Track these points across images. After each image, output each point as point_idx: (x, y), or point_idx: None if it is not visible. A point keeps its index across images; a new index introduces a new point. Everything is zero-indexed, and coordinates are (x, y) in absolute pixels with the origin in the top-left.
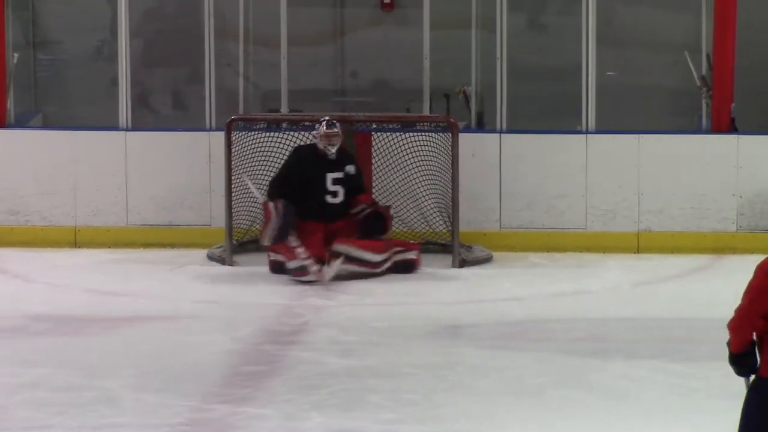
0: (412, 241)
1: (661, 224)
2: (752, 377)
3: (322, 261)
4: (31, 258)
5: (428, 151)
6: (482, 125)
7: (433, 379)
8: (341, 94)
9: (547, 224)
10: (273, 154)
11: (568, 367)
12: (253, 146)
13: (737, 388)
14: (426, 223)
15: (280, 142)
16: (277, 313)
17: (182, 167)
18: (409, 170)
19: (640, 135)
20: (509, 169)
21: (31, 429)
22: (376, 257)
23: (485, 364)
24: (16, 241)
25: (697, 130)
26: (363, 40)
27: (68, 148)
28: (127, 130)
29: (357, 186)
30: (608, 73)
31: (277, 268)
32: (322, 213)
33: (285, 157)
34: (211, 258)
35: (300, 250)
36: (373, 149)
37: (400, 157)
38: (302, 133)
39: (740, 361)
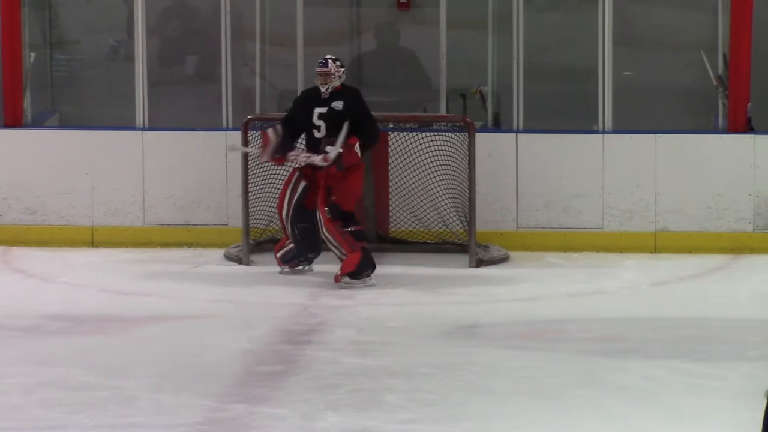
0: (354, 251)
1: (678, 224)
2: None
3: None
4: (47, 257)
5: (445, 150)
6: (499, 125)
7: (449, 378)
8: None
9: (564, 224)
10: None
11: (584, 367)
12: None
13: (755, 388)
14: (443, 223)
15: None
16: (293, 313)
17: (199, 167)
18: (426, 170)
19: (657, 135)
20: (526, 168)
21: (47, 428)
22: (323, 228)
23: (501, 364)
24: (33, 240)
25: (714, 130)
26: (379, 39)
27: (85, 148)
28: (143, 129)
29: (346, 119)
30: (625, 72)
31: (285, 257)
32: (310, 147)
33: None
34: (228, 258)
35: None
36: (389, 149)
37: (416, 157)
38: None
39: None
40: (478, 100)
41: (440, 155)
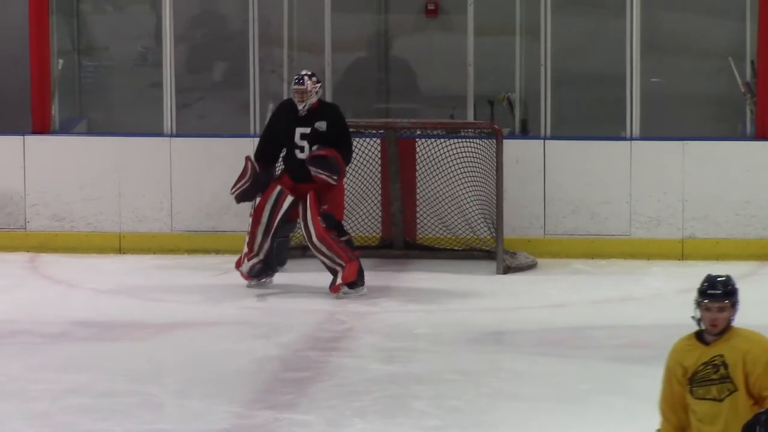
0: (352, 260)
1: (705, 231)
2: None
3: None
4: (75, 264)
5: (472, 157)
6: (526, 131)
7: (476, 385)
8: (385, 100)
9: (592, 231)
10: None
11: (611, 373)
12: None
13: None
14: (470, 230)
15: None
16: (320, 320)
17: (227, 173)
18: (454, 176)
19: (685, 141)
20: (553, 175)
21: None
22: (315, 239)
23: (528, 371)
24: (60, 246)
25: (742, 137)
26: (407, 46)
27: (113, 154)
28: (171, 136)
29: (329, 140)
30: (652, 79)
31: (253, 271)
32: (292, 167)
33: None
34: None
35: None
36: (417, 156)
37: (444, 164)
38: None
39: None
40: (506, 107)
41: (468, 162)
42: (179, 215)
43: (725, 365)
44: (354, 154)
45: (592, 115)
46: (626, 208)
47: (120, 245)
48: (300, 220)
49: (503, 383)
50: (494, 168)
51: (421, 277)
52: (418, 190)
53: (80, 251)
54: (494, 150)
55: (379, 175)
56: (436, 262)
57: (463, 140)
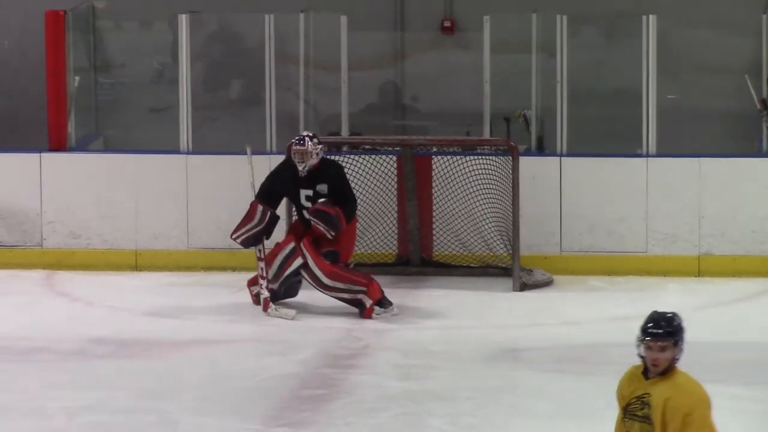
0: (371, 280)
1: (722, 248)
2: None
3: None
4: (92, 281)
5: (489, 174)
6: (542, 149)
7: (492, 402)
8: (401, 118)
9: (608, 248)
10: None
11: None
12: None
13: None
14: (486, 247)
15: None
16: (337, 337)
17: (243, 190)
18: (470, 193)
19: (701, 158)
20: (570, 192)
21: None
22: (325, 279)
23: (544, 388)
24: (77, 264)
25: (758, 154)
26: (423, 63)
27: (129, 172)
28: (188, 153)
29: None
30: (668, 96)
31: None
32: (301, 224)
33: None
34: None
35: (261, 279)
36: (433, 173)
37: (460, 181)
38: (362, 156)
39: None
40: (522, 124)
41: (484, 179)
42: (195, 232)
43: (649, 405)
44: (370, 172)
45: (608, 132)
46: (642, 225)
47: (136, 262)
48: (303, 272)
49: (519, 400)
50: (510, 185)
51: (438, 294)
52: (434, 208)
53: (96, 268)
54: (510, 167)
55: (396, 193)
56: (453, 279)
57: (480, 157)
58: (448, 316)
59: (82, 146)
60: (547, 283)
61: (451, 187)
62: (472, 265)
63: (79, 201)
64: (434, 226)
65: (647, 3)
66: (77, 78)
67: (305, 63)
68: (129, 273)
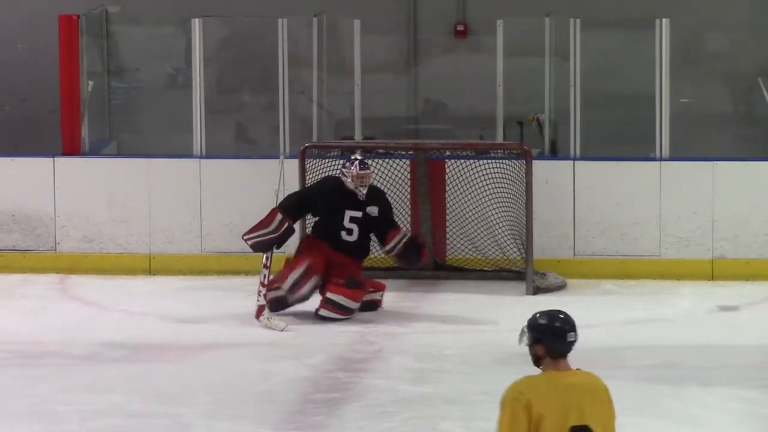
0: (379, 281)
1: (735, 251)
2: None
3: (315, 273)
4: (105, 285)
5: (502, 178)
6: (556, 152)
7: None
8: (414, 122)
9: (621, 251)
10: None
11: (641, 394)
12: (326, 173)
13: None
14: (500, 250)
15: None
16: (349, 341)
17: (256, 194)
18: (483, 197)
19: (714, 162)
20: (583, 196)
21: None
22: (354, 305)
23: None
24: (90, 268)
25: None
26: (436, 67)
27: (143, 176)
28: (201, 157)
29: (382, 225)
30: (682, 99)
31: (277, 304)
32: (337, 247)
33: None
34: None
35: (261, 287)
36: (446, 176)
37: (473, 184)
38: (376, 160)
39: None
40: (535, 128)
41: (497, 183)
42: (209, 236)
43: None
44: (383, 176)
45: (621, 136)
46: (656, 228)
47: (150, 266)
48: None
49: None
50: (524, 189)
51: (451, 298)
52: (447, 211)
53: (110, 273)
54: (524, 171)
55: (409, 197)
56: (466, 283)
57: (493, 161)
58: (461, 319)
59: (95, 150)
60: (560, 287)
61: (464, 191)
62: (485, 268)
63: (93, 205)
64: (447, 229)
65: (660, 6)
66: (91, 82)
67: (318, 67)
68: (142, 277)
